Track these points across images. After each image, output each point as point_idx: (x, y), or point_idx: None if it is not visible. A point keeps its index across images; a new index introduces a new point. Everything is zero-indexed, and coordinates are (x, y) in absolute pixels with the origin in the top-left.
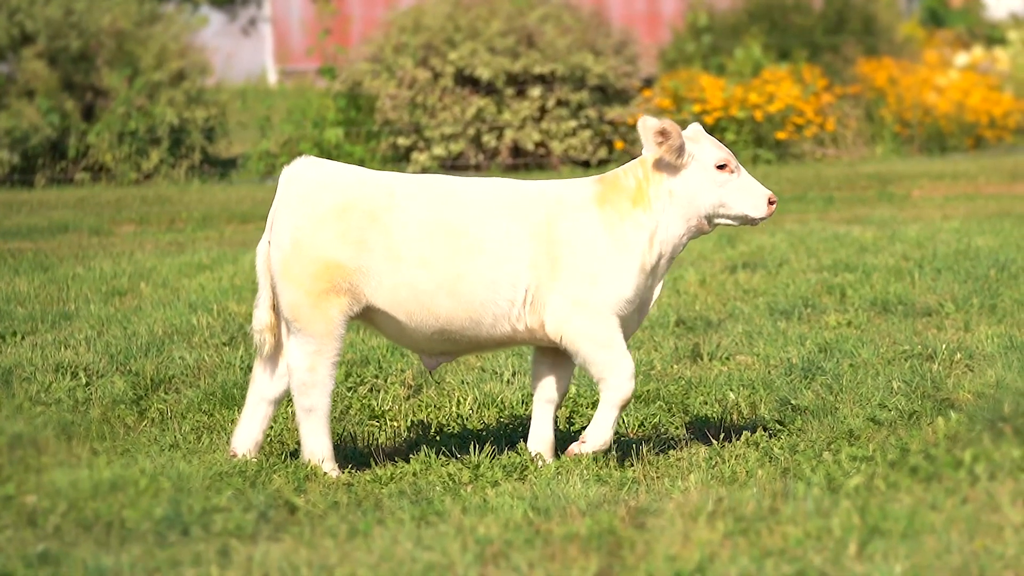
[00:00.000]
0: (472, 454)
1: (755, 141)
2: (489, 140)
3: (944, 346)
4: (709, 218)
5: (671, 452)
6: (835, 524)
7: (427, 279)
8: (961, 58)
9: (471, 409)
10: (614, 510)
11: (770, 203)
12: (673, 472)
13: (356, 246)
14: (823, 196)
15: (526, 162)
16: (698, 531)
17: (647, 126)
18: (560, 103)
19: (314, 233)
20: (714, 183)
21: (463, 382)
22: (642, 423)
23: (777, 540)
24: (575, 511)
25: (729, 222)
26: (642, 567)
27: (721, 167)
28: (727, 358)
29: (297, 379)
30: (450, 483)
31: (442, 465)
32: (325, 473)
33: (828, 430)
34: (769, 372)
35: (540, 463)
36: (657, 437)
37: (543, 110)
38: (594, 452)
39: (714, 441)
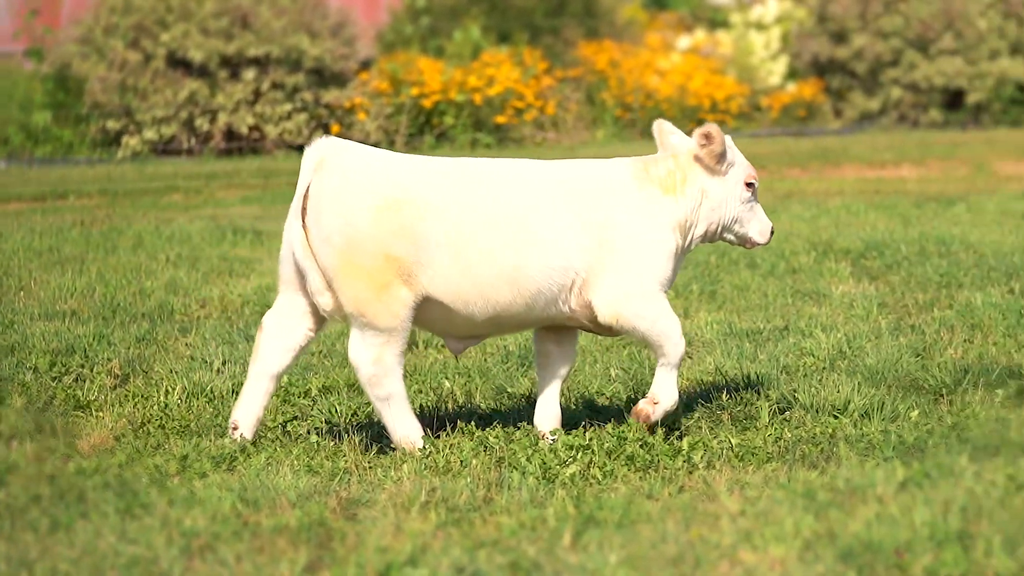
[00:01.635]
0: (180, 445)
1: (474, 125)
2: (202, 124)
3: None
4: (724, 229)
5: (384, 441)
6: (550, 514)
7: (488, 270)
8: (683, 41)
9: (180, 399)
10: (325, 501)
11: (771, 233)
12: (386, 462)
13: (412, 240)
14: None
15: (240, 146)
16: (410, 522)
17: (664, 129)
18: (275, 86)
19: (369, 229)
20: (739, 198)
21: (172, 371)
22: (355, 412)
23: (491, 530)
24: (285, 503)
25: (731, 239)
26: (353, 559)
27: (749, 185)
28: (443, 346)
29: (365, 373)
30: (157, 474)
31: (149, 456)
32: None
33: None
34: (485, 360)
35: (551, 439)
36: (370, 426)
37: (257, 93)
38: (666, 411)
39: (428, 430)
